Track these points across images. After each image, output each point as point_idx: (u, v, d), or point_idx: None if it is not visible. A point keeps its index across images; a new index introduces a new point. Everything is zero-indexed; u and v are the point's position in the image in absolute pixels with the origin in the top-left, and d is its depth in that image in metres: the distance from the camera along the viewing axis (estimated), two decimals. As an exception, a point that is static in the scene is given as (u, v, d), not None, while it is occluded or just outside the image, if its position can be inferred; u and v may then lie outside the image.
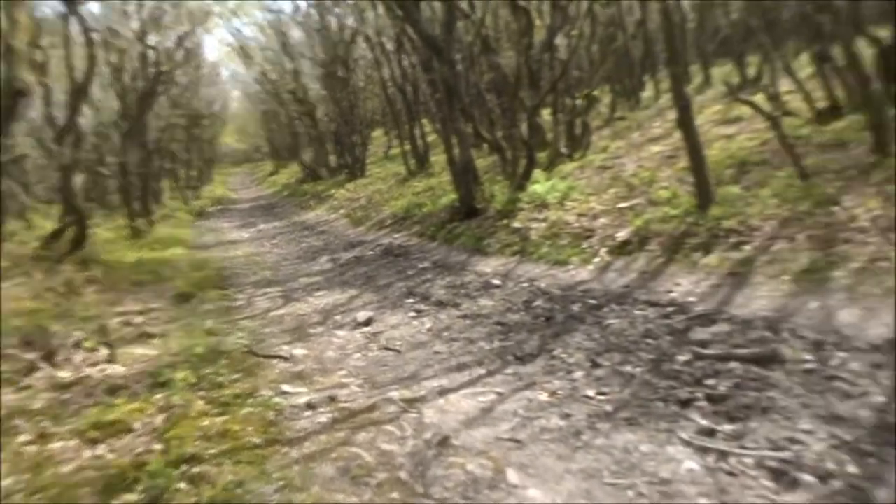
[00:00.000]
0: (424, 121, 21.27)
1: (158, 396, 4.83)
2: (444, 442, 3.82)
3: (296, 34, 31.05)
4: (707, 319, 5.03)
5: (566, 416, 3.97)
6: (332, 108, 27.22)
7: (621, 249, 7.39)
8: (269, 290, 8.99)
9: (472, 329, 6.06)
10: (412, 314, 6.87)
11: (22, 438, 4.27)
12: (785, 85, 10.79)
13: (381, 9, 19.26)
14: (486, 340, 5.68)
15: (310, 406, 4.56)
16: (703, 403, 3.79)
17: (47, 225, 13.75)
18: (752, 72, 13.89)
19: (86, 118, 17.84)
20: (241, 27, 56.35)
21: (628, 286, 6.36)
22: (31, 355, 5.94)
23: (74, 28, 13.96)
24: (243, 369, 5.42)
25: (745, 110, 10.90)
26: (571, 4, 13.00)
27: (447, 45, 11.61)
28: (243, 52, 34.65)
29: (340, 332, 6.53)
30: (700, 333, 4.79)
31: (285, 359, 5.74)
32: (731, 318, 4.94)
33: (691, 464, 3.22)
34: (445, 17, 11.77)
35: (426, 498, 3.27)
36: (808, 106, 9.52)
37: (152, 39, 20.21)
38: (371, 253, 10.98)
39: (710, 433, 3.47)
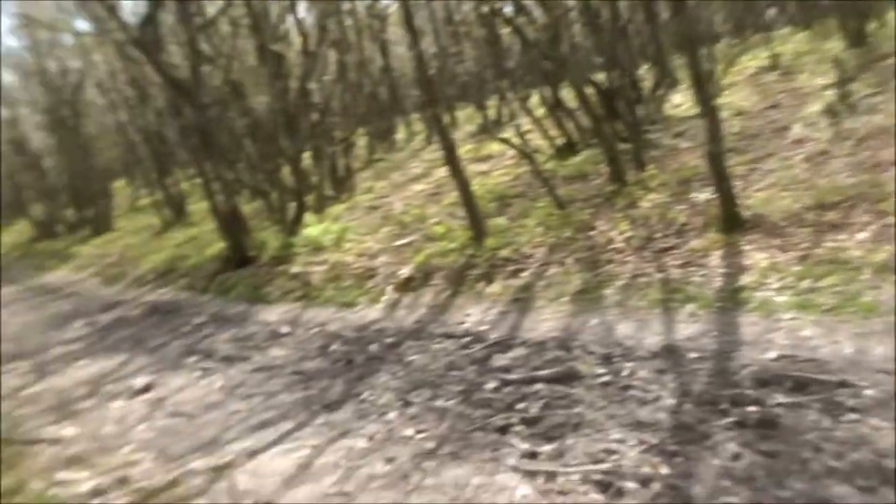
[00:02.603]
0: (175, 168, 20.09)
1: None
2: (266, 508, 3.56)
3: (8, 77, 27.85)
4: (504, 346, 5.27)
5: (390, 460, 3.89)
6: (63, 158, 24.64)
7: (407, 286, 7.52)
8: (14, 365, 7.80)
9: (269, 382, 5.76)
10: (198, 373, 6.36)
11: None
12: (523, 125, 11.85)
13: (111, 50, 17.93)
14: (286, 392, 5.42)
15: (97, 493, 4.00)
16: (519, 427, 3.94)
17: None
18: (492, 113, 15.09)
19: None
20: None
21: (421, 321, 6.48)
22: None
23: None
24: (2, 461, 4.60)
25: (494, 149, 11.84)
26: (320, 51, 13.15)
27: (197, 89, 11.10)
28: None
29: (116, 403, 5.85)
30: (500, 360, 5.00)
31: (53, 442, 4.99)
32: (525, 341, 5.23)
33: (524, 489, 3.31)
34: (191, 60, 11.24)
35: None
36: (548, 143, 10.56)
37: None
38: (135, 312, 10.02)
39: (533, 455, 3.61)
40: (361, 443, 4.22)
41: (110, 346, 8.13)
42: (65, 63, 23.11)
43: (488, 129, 10.26)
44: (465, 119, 16.80)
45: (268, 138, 12.34)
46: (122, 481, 4.12)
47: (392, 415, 4.55)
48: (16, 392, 6.59)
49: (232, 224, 11.03)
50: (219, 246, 11.54)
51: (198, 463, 4.26)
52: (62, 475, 4.31)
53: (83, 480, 4.20)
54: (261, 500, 3.65)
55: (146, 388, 6.09)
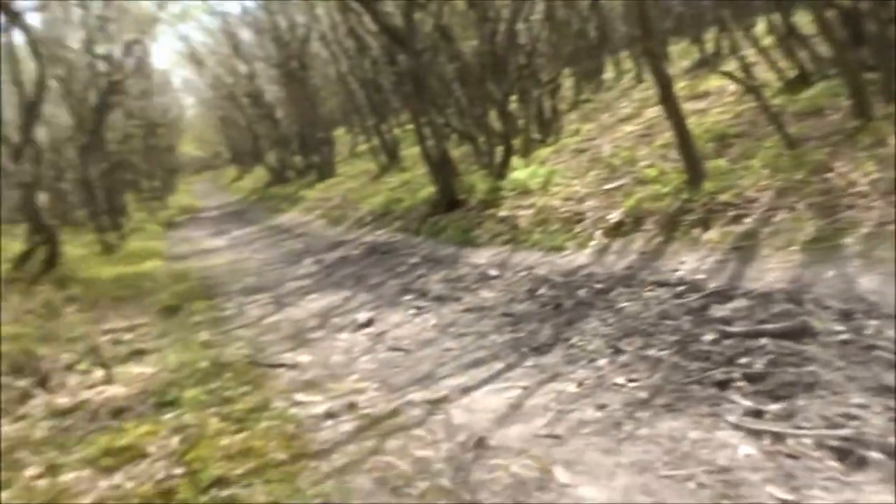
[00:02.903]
0: (390, 115, 21.06)
1: (168, 416, 4.61)
2: (480, 443, 3.68)
3: (246, 36, 30.54)
4: (723, 296, 4.95)
5: (601, 407, 3.85)
6: (292, 108, 26.80)
7: (616, 231, 7.31)
8: (257, 296, 8.74)
9: (479, 322, 5.93)
10: (412, 311, 6.71)
11: (30, 472, 4.02)
12: (746, 57, 10.82)
13: (332, 4, 18.94)
14: (496, 333, 5.56)
15: (329, 415, 4.38)
16: (741, 384, 3.70)
17: (14, 246, 13.25)
18: (709, 47, 13.95)
19: (40, 134, 17.25)
20: (188, 32, 55.17)
21: (631, 267, 6.28)
22: (23, 382, 5.66)
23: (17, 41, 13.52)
24: (250, 381, 5.21)
25: (712, 85, 10.97)
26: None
27: (410, 36, 11.41)
28: (193, 58, 34.03)
29: (342, 335, 6.35)
30: (720, 311, 4.71)
31: (291, 367, 5.55)
32: (748, 292, 4.87)
33: (747, 448, 3.12)
34: (404, 8, 11.55)
35: (476, 505, 3.14)
36: (777, 75, 9.56)
37: (100, 49, 19.63)
38: (356, 252, 10.78)
39: (758, 414, 3.38)
40: (571, 387, 4.22)
41: (336, 283, 8.83)
42: (293, 18, 24.84)
43: (707, 63, 9.50)
44: (680, 54, 15.73)
45: (475, 82, 12.46)
46: (351, 406, 4.48)
47: (602, 362, 4.49)
48: (259, 321, 7.40)
49: (442, 168, 11.37)
50: (429, 190, 11.97)
51: (416, 395, 4.51)
52: (299, 397, 4.78)
53: (317, 403, 4.63)
54: (475, 434, 3.79)
55: (368, 323, 6.54)
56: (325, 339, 6.30)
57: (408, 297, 7.31)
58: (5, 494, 3.69)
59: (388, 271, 8.83)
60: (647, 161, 8.90)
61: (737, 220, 6.26)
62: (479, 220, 9.74)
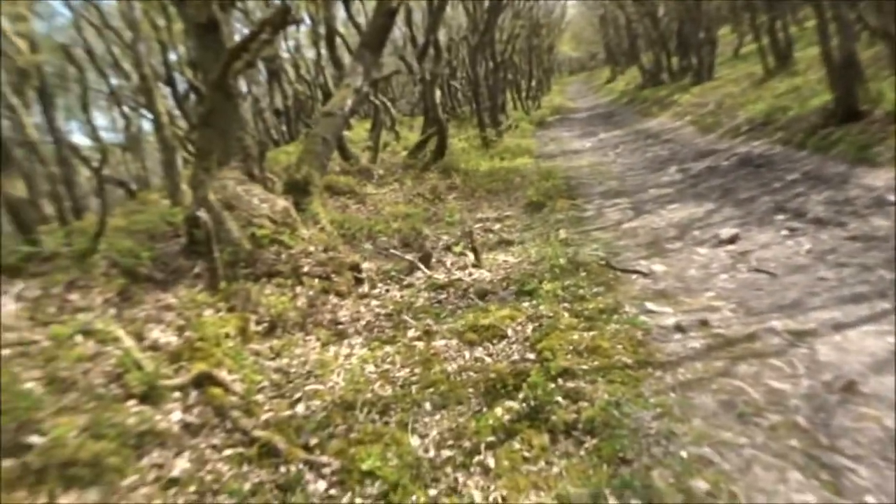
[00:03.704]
0: (786, 11, 18.68)
1: (526, 305, 4.98)
2: (849, 387, 3.29)
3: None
4: None
5: None
6: (675, 5, 25.32)
7: None
8: (617, 200, 8.76)
9: (867, 253, 5.17)
10: (785, 233, 6.11)
11: (411, 333, 4.72)
12: None
13: None
14: (886, 268, 4.79)
15: (679, 328, 4.30)
16: None
17: (411, 136, 15.14)
18: None
19: (439, 35, 19.02)
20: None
21: None
22: (410, 256, 6.58)
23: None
24: (602, 283, 5.33)
25: None
26: None
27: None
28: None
29: (701, 250, 6.08)
30: None
31: (644, 274, 5.51)
32: None
33: None
34: None
35: (834, 452, 2.85)
36: None
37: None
38: (725, 163, 10.07)
39: None
40: (981, 346, 3.50)
41: (700, 194, 8.38)
42: None
43: None
44: None
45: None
46: (703, 324, 4.32)
47: None
48: (616, 225, 7.43)
49: (845, 72, 9.82)
50: (824, 97, 10.51)
51: (777, 323, 4.17)
52: (650, 305, 4.74)
53: (667, 315, 4.56)
54: (843, 376, 3.40)
55: (731, 240, 6.14)
56: (683, 251, 6.09)
57: (781, 216, 6.65)
58: (392, 348, 4.39)
59: (760, 186, 8.09)
60: None
61: None
62: (883, 135, 8.31)
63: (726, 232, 6.33)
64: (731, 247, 6.01)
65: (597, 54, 57.46)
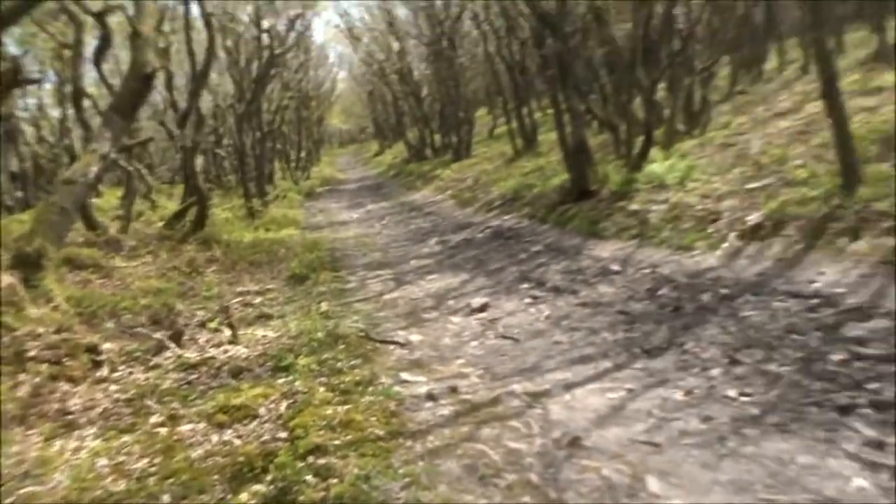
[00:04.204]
0: (531, 99, 20.84)
1: (281, 381, 4.86)
2: (574, 442, 3.61)
3: (402, 13, 31.16)
4: (862, 314, 4.55)
5: (707, 419, 3.66)
6: (437, 87, 27.19)
7: (753, 234, 6.87)
8: (380, 272, 8.99)
9: (594, 318, 5.79)
10: (528, 300, 6.66)
11: (153, 419, 4.38)
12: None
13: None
14: (609, 331, 5.40)
15: (430, 397, 4.45)
16: (866, 411, 3.40)
17: (170, 205, 14.40)
18: (892, 36, 12.69)
19: (204, 101, 18.53)
20: (348, 8, 57.05)
21: (764, 274, 5.89)
22: (159, 334, 6.16)
23: (194, 13, 14.47)
24: (361, 355, 5.38)
25: (888, 79, 9.98)
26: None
27: (560, 19, 11.21)
28: (350, 34, 35.22)
29: (455, 318, 6.41)
30: (855, 330, 4.34)
31: (402, 345, 5.67)
32: (890, 312, 4.45)
33: (861, 482, 2.87)
34: (560, -11, 11.33)
35: (560, 504, 3.09)
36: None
37: (266, 23, 20.70)
38: (480, 235, 10.83)
39: (880, 446, 3.09)
40: (678, 395, 4.04)
41: (456, 265, 8.91)
42: (449, -3, 25.06)
43: (884, 56, 8.64)
44: (856, 44, 14.48)
45: (624, 68, 12.07)
46: (452, 391, 4.52)
47: (715, 371, 4.27)
48: (378, 296, 7.61)
49: (577, 156, 11.14)
50: (563, 177, 11.78)
51: (517, 386, 4.48)
52: (405, 376, 4.87)
53: (421, 384, 4.71)
54: (570, 432, 3.71)
55: (482, 308, 6.55)
56: (439, 321, 6.38)
57: (525, 285, 7.25)
58: (131, 437, 4.04)
59: (509, 257, 8.80)
60: (799, 161, 8.28)
61: (892, 232, 5.70)
62: (609, 212, 9.49)
63: (477, 301, 6.76)
64: (481, 315, 6.41)
65: (366, 128, 59.47)
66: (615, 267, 7.23)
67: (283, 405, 4.42)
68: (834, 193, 6.69)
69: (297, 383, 4.74)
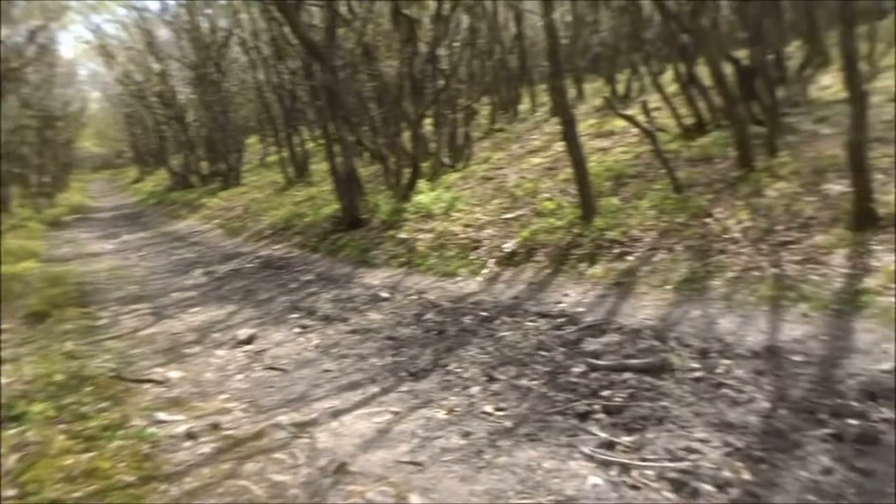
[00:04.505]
0: (303, 128, 20.76)
1: (11, 433, 4.28)
2: (340, 469, 3.60)
3: (163, 33, 29.52)
4: (598, 330, 5.09)
5: (466, 435, 3.85)
6: (204, 112, 26.05)
7: (509, 260, 7.41)
8: (136, 306, 8.34)
9: (363, 344, 5.85)
10: (297, 330, 6.56)
11: None
12: (652, 101, 11.30)
13: (256, 11, 18.66)
14: (377, 356, 5.49)
15: (189, 436, 4.19)
16: (601, 415, 3.80)
17: None
18: (621, 88, 14.53)
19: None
20: (101, 24, 52.77)
21: (518, 297, 6.37)
22: None
23: None
24: (111, 397, 4.93)
25: (618, 124, 11.35)
26: (453, 17, 13.10)
27: (329, 51, 11.33)
28: (104, 51, 32.62)
29: (220, 352, 6.12)
30: (592, 344, 4.83)
31: (159, 383, 5.29)
32: (621, 327, 5.03)
33: (595, 479, 3.19)
34: (327, 22, 11.47)
35: (324, 533, 3.05)
36: (676, 122, 10.02)
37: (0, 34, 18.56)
38: (250, 265, 10.49)
39: (611, 446, 3.46)
40: (441, 414, 4.21)
41: (223, 296, 8.53)
42: (214, 21, 24.19)
43: (612, 105, 9.88)
44: (594, 92, 16.28)
45: (392, 102, 12.48)
46: (214, 427, 4.30)
47: (475, 389, 4.51)
48: (133, 333, 7.04)
49: (347, 185, 11.26)
50: (334, 207, 11.84)
51: (284, 417, 4.38)
52: (161, 415, 4.55)
53: (179, 423, 4.42)
54: (336, 459, 3.70)
55: (249, 340, 6.33)
56: (201, 356, 6.05)
57: (295, 314, 7.14)
58: None
59: (279, 287, 8.62)
60: (548, 194, 9.09)
61: (620, 257, 6.47)
62: (379, 240, 9.69)
63: (244, 333, 6.52)
64: (248, 347, 6.19)
65: (124, 152, 55.13)
66: (384, 294, 7.38)
67: (13, 459, 3.90)
68: (575, 223, 7.45)
69: (29, 433, 4.21)
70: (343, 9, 13.35)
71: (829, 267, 4.94)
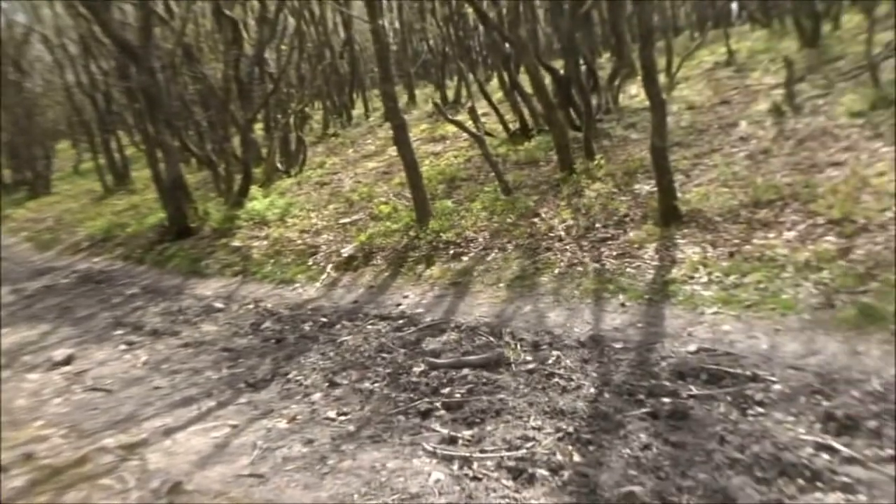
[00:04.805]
0: (121, 132, 19.42)
1: None
2: (174, 489, 3.43)
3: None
4: (436, 329, 5.22)
5: (309, 442, 3.81)
6: (4, 115, 23.62)
7: (347, 265, 7.40)
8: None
9: (196, 358, 5.60)
10: (123, 347, 6.15)
11: None
12: (480, 107, 11.74)
13: (60, 6, 17.23)
14: (213, 369, 5.28)
15: (-1, 469, 3.82)
16: (441, 412, 3.90)
17: None
18: (451, 94, 14.96)
19: None
20: None
21: (358, 301, 6.38)
22: None
23: None
24: None
25: (449, 129, 11.68)
26: (279, 19, 12.86)
27: (145, 52, 10.69)
28: None
29: (33, 376, 5.62)
30: (432, 343, 4.95)
31: (-41, 415, 4.75)
32: (458, 326, 5.19)
33: (438, 474, 3.27)
34: (142, 21, 10.80)
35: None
36: (503, 127, 10.48)
37: None
38: (66, 281, 9.67)
39: (452, 441, 3.56)
40: (282, 424, 4.13)
41: (34, 315, 7.81)
42: (10, 16, 22.04)
43: (442, 110, 10.14)
44: (425, 98, 16.62)
45: (219, 106, 11.99)
46: (27, 458, 3.95)
47: (317, 396, 4.46)
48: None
49: (174, 193, 10.69)
50: (160, 215, 11.22)
51: (110, 440, 4.11)
52: (-35, 449, 4.11)
53: (-16, 456, 4.01)
54: (170, 479, 3.52)
55: (66, 361, 5.85)
56: (11, 381, 5.52)
57: (120, 331, 6.69)
58: None
59: (101, 303, 8.03)
60: (383, 198, 9.17)
61: (456, 257, 6.68)
62: (211, 249, 9.31)
63: (61, 353, 6.03)
64: (66, 368, 5.74)
65: None
66: (219, 304, 7.11)
67: None
68: (411, 226, 7.58)
69: None
70: (159, 7, 12.66)
71: (642, 260, 5.41)
